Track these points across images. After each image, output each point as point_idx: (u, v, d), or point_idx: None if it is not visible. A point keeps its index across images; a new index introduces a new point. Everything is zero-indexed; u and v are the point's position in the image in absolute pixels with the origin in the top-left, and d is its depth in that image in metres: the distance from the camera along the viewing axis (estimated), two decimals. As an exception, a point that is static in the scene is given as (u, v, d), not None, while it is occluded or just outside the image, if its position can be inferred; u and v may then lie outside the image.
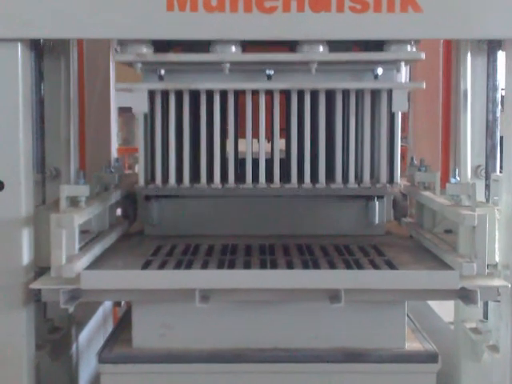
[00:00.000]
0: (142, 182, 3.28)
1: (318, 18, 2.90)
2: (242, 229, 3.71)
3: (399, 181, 3.33)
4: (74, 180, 3.30)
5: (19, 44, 2.90)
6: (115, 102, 4.61)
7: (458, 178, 3.22)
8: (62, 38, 3.18)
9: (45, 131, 3.21)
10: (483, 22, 2.91)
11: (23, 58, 2.92)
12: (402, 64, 3.14)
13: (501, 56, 3.22)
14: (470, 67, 3.38)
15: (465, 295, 2.89)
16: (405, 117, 4.46)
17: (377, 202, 3.70)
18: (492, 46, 3.23)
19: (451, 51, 3.69)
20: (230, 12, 2.89)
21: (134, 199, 3.82)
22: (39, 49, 3.12)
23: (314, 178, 3.29)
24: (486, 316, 3.32)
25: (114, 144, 4.66)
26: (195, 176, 3.32)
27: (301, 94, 3.23)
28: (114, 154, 4.61)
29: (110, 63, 4.42)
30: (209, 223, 3.72)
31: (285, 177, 3.32)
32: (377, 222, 3.71)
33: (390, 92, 3.20)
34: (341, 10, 2.90)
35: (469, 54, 3.37)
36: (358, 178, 3.33)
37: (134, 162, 8.02)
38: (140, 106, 3.14)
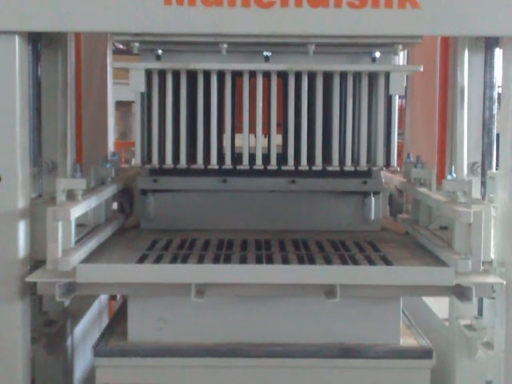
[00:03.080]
0: (138, 161, 3.28)
1: (316, 13, 2.90)
2: (238, 223, 3.71)
3: (396, 164, 3.33)
4: (70, 173, 3.30)
5: (16, 37, 2.89)
6: (112, 95, 4.61)
7: (454, 175, 3.22)
8: (59, 31, 3.17)
9: (42, 124, 3.21)
10: (481, 19, 2.91)
11: (20, 51, 2.91)
12: (400, 47, 3.14)
13: (498, 53, 3.22)
14: (467, 64, 3.38)
15: (460, 292, 2.89)
16: (401, 113, 4.46)
17: (373, 198, 3.69)
18: (489, 44, 3.24)
19: (448, 48, 3.69)
20: (228, 6, 2.89)
21: (131, 193, 3.82)
22: (37, 42, 3.12)
23: (311, 160, 3.29)
24: (480, 313, 3.34)
25: (111, 138, 4.66)
26: (192, 157, 3.32)
27: (298, 76, 3.23)
28: (111, 147, 4.61)
29: (108, 57, 4.41)
30: (205, 218, 3.72)
31: (282, 159, 3.33)
32: (373, 217, 3.70)
33: (387, 75, 3.20)
34: (339, 5, 2.90)
35: (466, 51, 3.38)
36: (355, 161, 3.33)
37: (130, 156, 8.02)
38: (137, 85, 3.14)
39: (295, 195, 3.71)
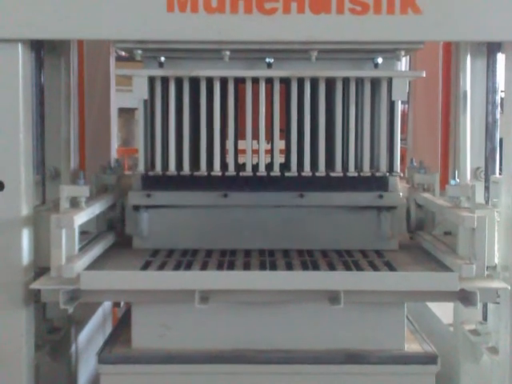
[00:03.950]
0: (142, 168, 3.28)
1: (318, 19, 2.91)
2: (239, 243, 3.44)
3: (399, 170, 3.31)
4: (73, 180, 3.30)
5: (20, 44, 2.90)
6: (115, 102, 4.61)
7: (458, 180, 3.22)
8: (62, 39, 3.19)
9: (45, 131, 3.21)
10: (483, 24, 2.91)
11: (24, 59, 2.92)
12: (402, 53, 3.15)
13: (500, 58, 3.23)
14: (470, 69, 3.38)
15: (464, 297, 2.89)
16: (404, 119, 4.46)
17: (388, 214, 3.43)
18: (491, 49, 3.24)
19: (451, 53, 3.69)
20: (231, 13, 2.89)
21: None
22: (40, 49, 3.13)
23: (314, 166, 3.27)
24: (485, 318, 3.33)
25: (114, 145, 4.66)
26: (195, 164, 3.31)
27: (301, 82, 3.23)
28: (114, 154, 4.61)
29: (110, 64, 4.42)
30: (204, 236, 3.46)
31: (285, 167, 3.32)
32: (388, 236, 3.44)
33: (389, 81, 3.20)
34: (341, 11, 2.90)
35: (468, 56, 3.38)
36: (358, 167, 3.30)
37: (133, 163, 7.99)
38: (140, 92, 3.15)
39: (303, 211, 3.45)
